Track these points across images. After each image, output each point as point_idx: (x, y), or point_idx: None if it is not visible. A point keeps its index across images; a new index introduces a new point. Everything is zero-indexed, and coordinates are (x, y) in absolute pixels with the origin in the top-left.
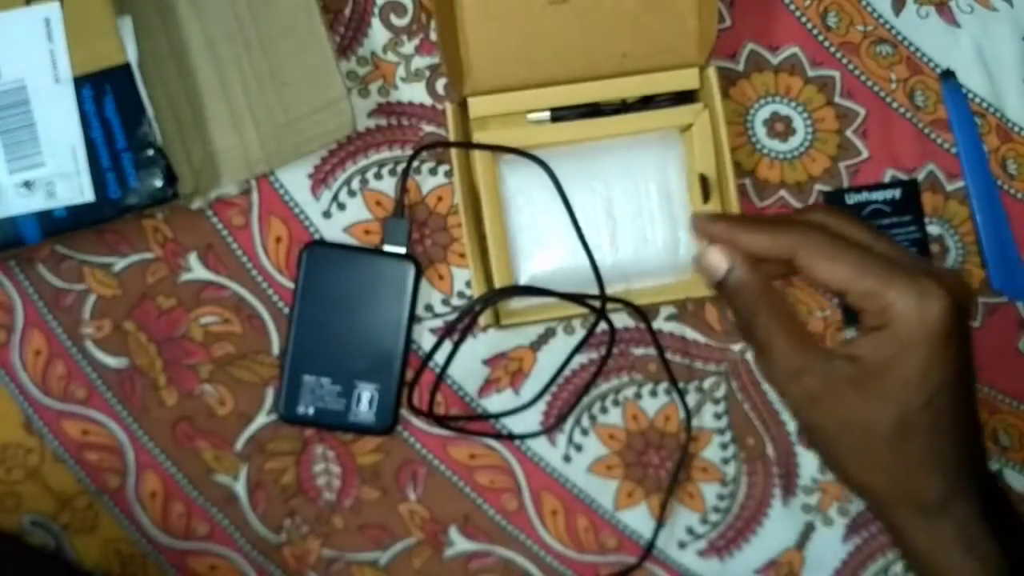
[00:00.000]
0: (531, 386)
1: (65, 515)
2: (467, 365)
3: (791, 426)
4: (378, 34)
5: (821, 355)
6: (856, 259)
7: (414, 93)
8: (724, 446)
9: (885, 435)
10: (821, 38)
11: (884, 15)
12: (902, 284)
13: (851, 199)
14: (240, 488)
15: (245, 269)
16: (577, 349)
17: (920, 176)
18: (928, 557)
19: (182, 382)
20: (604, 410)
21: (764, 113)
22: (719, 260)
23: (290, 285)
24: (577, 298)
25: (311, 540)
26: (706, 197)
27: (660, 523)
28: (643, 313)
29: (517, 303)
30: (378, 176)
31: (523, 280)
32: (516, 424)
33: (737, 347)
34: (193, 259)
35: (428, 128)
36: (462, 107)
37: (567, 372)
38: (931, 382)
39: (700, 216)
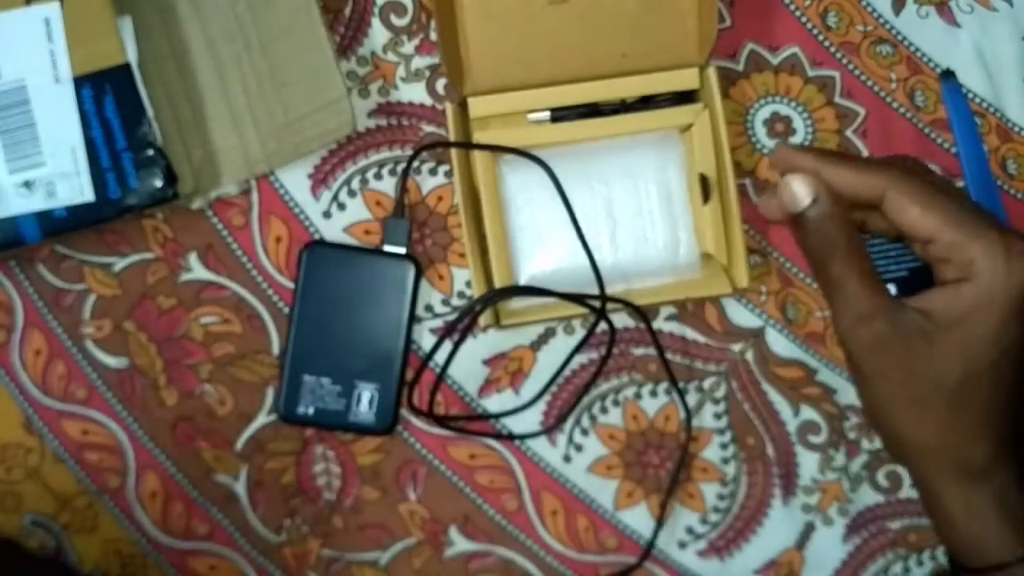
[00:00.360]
0: (531, 386)
1: (65, 515)
2: (467, 365)
3: (791, 426)
4: (378, 34)
5: (895, 303)
6: (949, 208)
7: (414, 93)
8: (724, 446)
9: (947, 391)
10: (821, 38)
11: (884, 15)
12: (991, 239)
13: None
14: (240, 488)
15: (245, 269)
16: (577, 349)
17: None
18: (963, 522)
19: (182, 382)
20: (604, 410)
21: (764, 113)
22: (803, 191)
23: (290, 285)
24: (577, 298)
25: (311, 540)
26: (706, 197)
27: (660, 523)
28: (643, 313)
29: (517, 303)
30: (378, 176)
31: (523, 280)
32: (516, 424)
33: (737, 347)
34: (193, 259)
35: (428, 128)
36: (462, 107)
37: (567, 372)
38: (1002, 343)
39: (785, 146)
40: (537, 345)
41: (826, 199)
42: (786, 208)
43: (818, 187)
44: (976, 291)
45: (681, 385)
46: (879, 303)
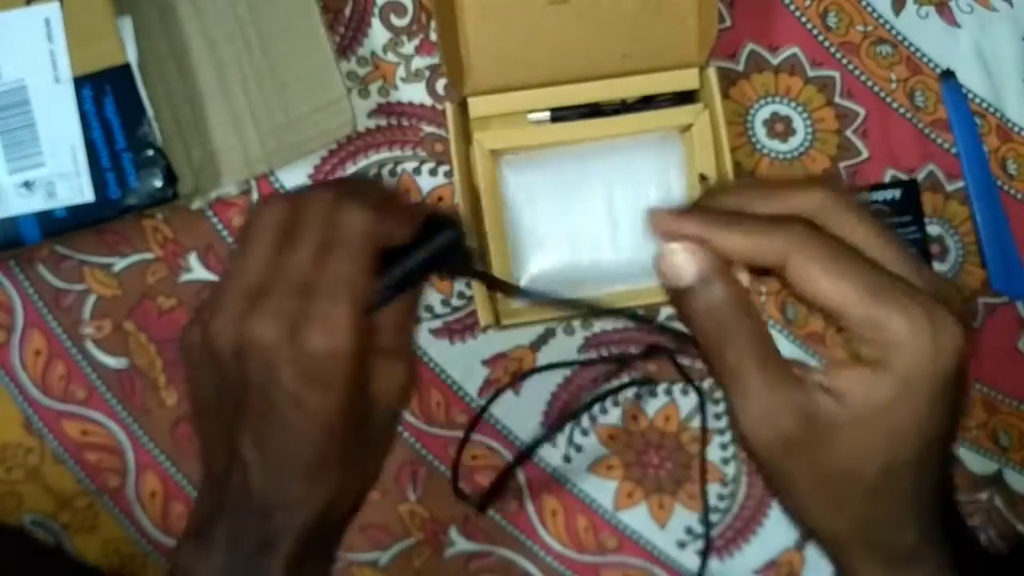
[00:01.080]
0: (531, 386)
1: (65, 515)
2: (467, 365)
3: None
4: (378, 34)
5: (799, 389)
6: (864, 277)
7: (414, 93)
8: (724, 446)
9: (866, 485)
10: (821, 38)
11: (884, 15)
12: (914, 314)
13: None
14: None
15: None
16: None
17: (920, 176)
18: None
19: (182, 382)
20: (604, 410)
21: (764, 113)
22: (689, 267)
23: None
24: (592, 312)
25: None
26: None
27: (707, 518)
28: (647, 318)
29: (517, 303)
30: (378, 176)
31: (523, 280)
32: (516, 424)
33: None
34: (193, 259)
35: (428, 128)
36: (462, 107)
37: (567, 372)
38: (929, 432)
39: (662, 210)
40: (537, 345)
41: (717, 278)
42: (667, 283)
43: (708, 262)
44: (898, 378)
45: (681, 385)
46: (783, 398)
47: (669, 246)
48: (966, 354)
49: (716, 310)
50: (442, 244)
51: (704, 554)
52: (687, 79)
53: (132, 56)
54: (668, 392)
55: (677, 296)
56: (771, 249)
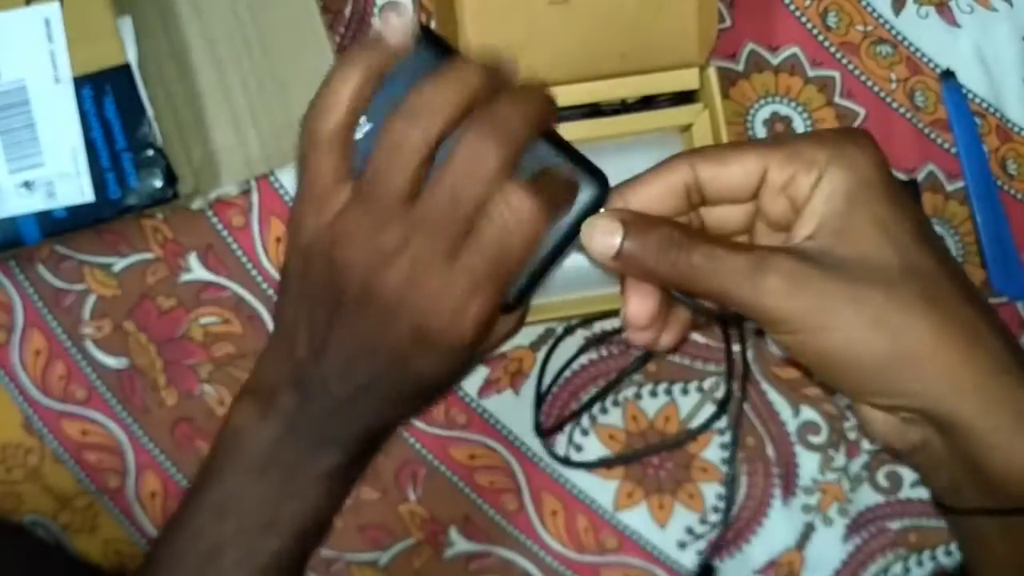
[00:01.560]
0: (531, 387)
1: (65, 515)
2: None
3: (791, 426)
4: None
5: (772, 251)
6: (760, 144)
7: None
8: (724, 446)
9: (882, 274)
10: (821, 38)
11: (884, 15)
12: (823, 138)
13: None
14: None
15: (245, 269)
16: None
17: (920, 176)
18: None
19: (182, 382)
20: (604, 410)
21: (764, 113)
22: (607, 230)
23: None
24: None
25: None
26: None
27: (729, 501)
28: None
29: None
30: None
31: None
32: (516, 424)
33: (737, 347)
34: (193, 259)
35: None
36: None
37: (567, 373)
38: (893, 197)
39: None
40: (537, 345)
41: (642, 224)
42: (606, 256)
43: (624, 214)
44: (842, 175)
45: (681, 385)
46: (758, 256)
47: (584, 228)
48: (882, 154)
49: (649, 249)
50: (590, 203)
51: (725, 512)
52: (687, 79)
53: (132, 56)
54: (668, 392)
55: (629, 265)
56: (674, 172)
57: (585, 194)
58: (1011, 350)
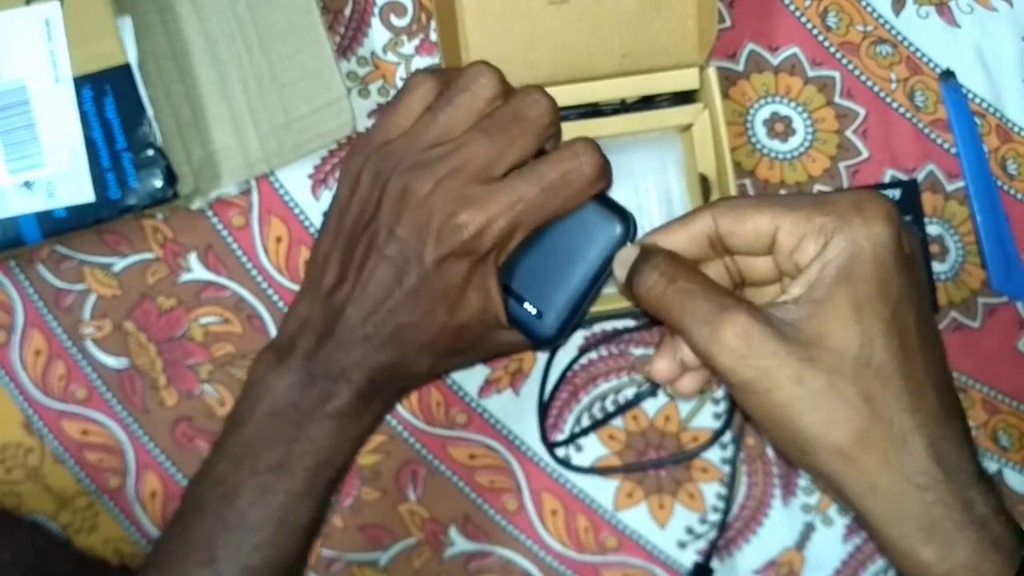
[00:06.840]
0: (531, 386)
1: (65, 515)
2: None
3: None
4: (378, 34)
5: (736, 303)
6: (781, 202)
7: None
8: (724, 446)
9: (851, 362)
10: (821, 38)
11: (884, 15)
12: (838, 203)
13: None
14: None
15: (245, 269)
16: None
17: (920, 176)
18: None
19: (182, 382)
20: (604, 410)
21: (764, 113)
22: (629, 255)
23: (290, 285)
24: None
25: None
26: (706, 197)
27: (729, 501)
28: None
29: None
30: None
31: None
32: (516, 424)
33: None
34: (193, 259)
35: None
36: None
37: (567, 373)
38: (893, 294)
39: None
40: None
41: (656, 254)
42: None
43: (641, 245)
44: (842, 247)
45: None
46: (726, 302)
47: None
48: (897, 220)
49: (649, 272)
50: (620, 237)
51: (724, 511)
52: (687, 79)
53: (132, 56)
54: (668, 392)
55: (633, 292)
56: (698, 222)
57: (616, 229)
58: (938, 461)
